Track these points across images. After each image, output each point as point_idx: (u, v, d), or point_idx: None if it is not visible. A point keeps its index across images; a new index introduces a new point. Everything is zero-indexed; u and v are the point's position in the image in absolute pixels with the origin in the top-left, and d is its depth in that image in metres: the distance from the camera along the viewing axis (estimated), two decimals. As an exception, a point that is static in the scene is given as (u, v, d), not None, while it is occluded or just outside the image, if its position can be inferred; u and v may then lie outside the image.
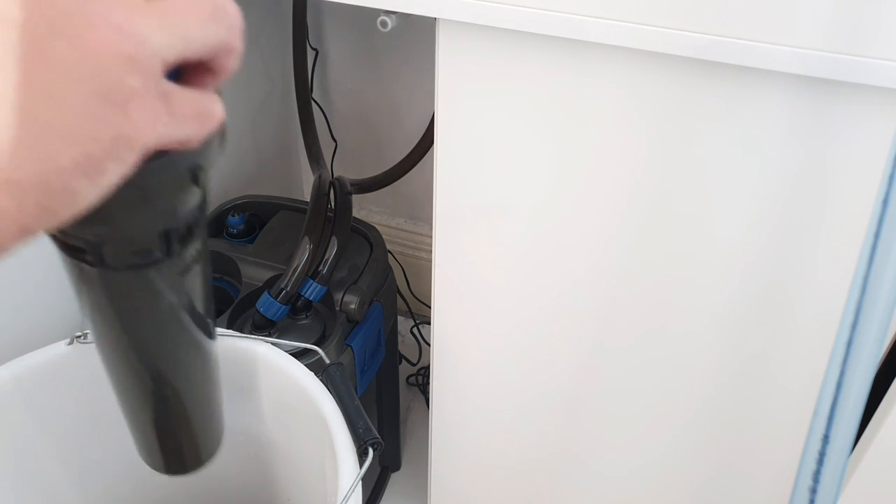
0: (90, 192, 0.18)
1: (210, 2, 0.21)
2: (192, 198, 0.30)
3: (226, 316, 0.70)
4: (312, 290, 0.70)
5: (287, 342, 0.61)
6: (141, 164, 0.21)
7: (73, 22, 0.16)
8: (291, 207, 0.85)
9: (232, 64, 0.24)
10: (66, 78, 0.16)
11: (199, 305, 0.36)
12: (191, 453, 0.40)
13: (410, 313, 1.17)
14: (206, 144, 0.25)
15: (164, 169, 0.25)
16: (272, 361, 0.58)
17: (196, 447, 0.40)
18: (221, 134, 0.26)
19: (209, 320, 0.36)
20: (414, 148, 0.87)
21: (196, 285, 0.35)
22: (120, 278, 0.33)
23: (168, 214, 0.30)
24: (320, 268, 0.71)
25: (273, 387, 0.59)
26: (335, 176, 0.82)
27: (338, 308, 0.72)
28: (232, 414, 0.42)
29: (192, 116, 0.21)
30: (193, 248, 0.33)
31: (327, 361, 0.58)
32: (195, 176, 0.28)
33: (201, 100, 0.21)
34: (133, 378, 0.37)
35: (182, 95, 0.20)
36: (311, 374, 0.56)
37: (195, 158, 0.26)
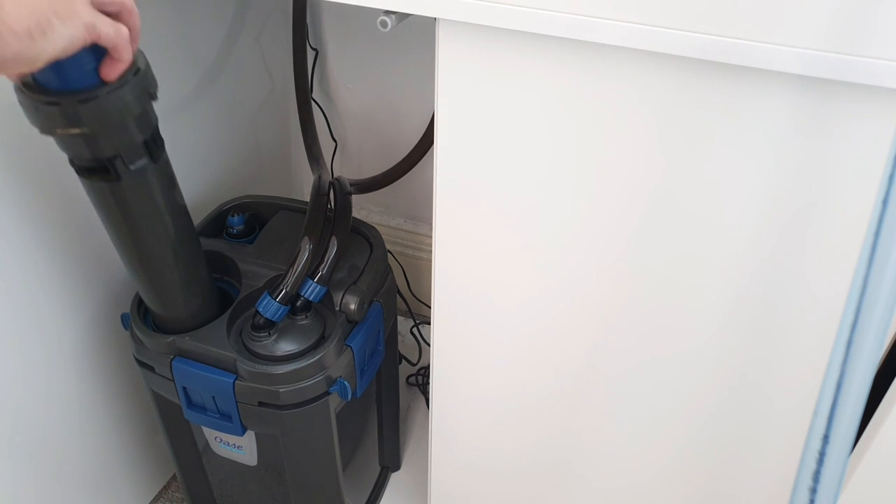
0: (61, 30, 0.39)
1: None
2: (153, 113, 0.55)
3: (226, 316, 0.70)
4: (312, 291, 0.70)
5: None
6: (120, 84, 0.49)
7: None
8: (291, 207, 0.85)
9: (131, 21, 0.47)
10: (47, 12, 0.37)
11: (179, 197, 0.62)
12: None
13: (410, 313, 1.17)
14: (149, 74, 0.52)
15: (134, 85, 0.50)
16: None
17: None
18: (153, 81, 0.53)
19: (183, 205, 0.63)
20: (414, 148, 0.87)
21: (173, 183, 0.61)
22: (127, 186, 0.56)
23: (144, 125, 0.54)
24: (320, 268, 0.71)
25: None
26: (335, 176, 0.82)
27: (337, 308, 0.72)
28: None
29: (111, 27, 0.43)
30: (165, 156, 0.58)
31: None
32: (151, 94, 0.53)
33: (115, 24, 0.44)
34: (132, 254, 0.62)
35: (103, 16, 0.43)
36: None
37: (146, 83, 0.52)
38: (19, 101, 0.50)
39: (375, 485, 1.00)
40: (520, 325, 0.64)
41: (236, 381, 0.67)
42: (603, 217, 0.54)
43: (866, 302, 0.33)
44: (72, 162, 0.56)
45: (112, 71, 0.48)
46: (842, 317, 0.34)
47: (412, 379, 1.18)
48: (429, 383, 0.82)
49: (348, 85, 1.14)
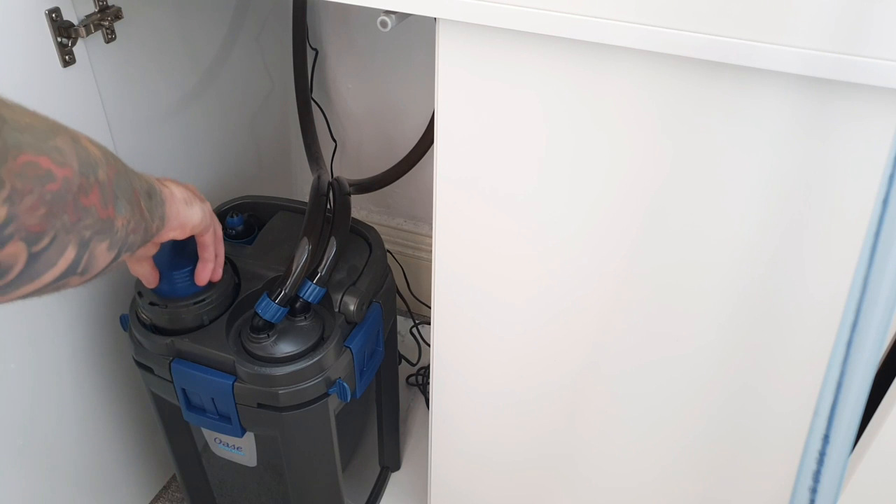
0: (199, 206, 0.59)
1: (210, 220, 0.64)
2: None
3: (224, 318, 0.70)
4: (311, 292, 0.70)
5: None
6: (205, 297, 0.68)
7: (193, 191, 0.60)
8: (291, 208, 0.85)
9: (218, 246, 0.67)
10: (191, 195, 0.59)
11: None
12: None
13: (410, 313, 1.17)
14: (229, 289, 0.72)
15: (214, 299, 0.69)
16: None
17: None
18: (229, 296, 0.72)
19: None
20: (414, 148, 0.87)
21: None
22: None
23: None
24: (319, 269, 0.71)
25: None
26: (334, 176, 0.82)
27: (337, 309, 0.72)
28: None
29: (213, 237, 0.66)
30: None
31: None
32: (226, 306, 0.71)
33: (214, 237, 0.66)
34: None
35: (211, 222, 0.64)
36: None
37: (224, 298, 0.71)
38: (139, 303, 0.69)
39: (375, 485, 1.00)
40: (519, 325, 0.64)
41: (235, 383, 0.67)
42: (604, 218, 0.54)
43: (866, 302, 0.33)
44: None
45: (203, 273, 0.66)
46: (842, 317, 0.34)
47: (412, 379, 1.18)
48: (429, 383, 0.82)
49: (348, 85, 1.14)
